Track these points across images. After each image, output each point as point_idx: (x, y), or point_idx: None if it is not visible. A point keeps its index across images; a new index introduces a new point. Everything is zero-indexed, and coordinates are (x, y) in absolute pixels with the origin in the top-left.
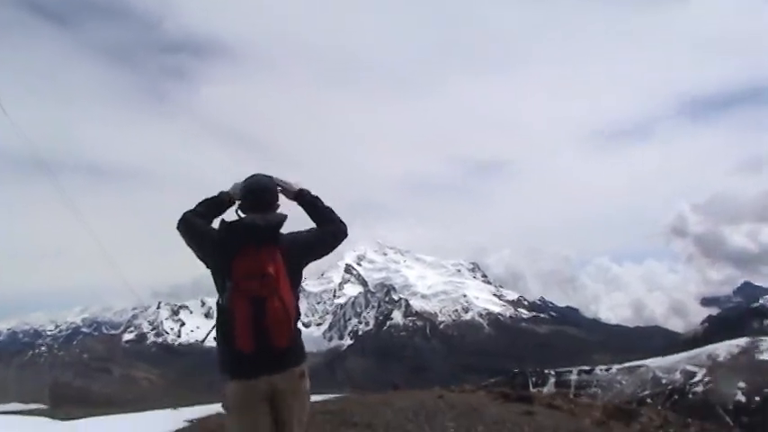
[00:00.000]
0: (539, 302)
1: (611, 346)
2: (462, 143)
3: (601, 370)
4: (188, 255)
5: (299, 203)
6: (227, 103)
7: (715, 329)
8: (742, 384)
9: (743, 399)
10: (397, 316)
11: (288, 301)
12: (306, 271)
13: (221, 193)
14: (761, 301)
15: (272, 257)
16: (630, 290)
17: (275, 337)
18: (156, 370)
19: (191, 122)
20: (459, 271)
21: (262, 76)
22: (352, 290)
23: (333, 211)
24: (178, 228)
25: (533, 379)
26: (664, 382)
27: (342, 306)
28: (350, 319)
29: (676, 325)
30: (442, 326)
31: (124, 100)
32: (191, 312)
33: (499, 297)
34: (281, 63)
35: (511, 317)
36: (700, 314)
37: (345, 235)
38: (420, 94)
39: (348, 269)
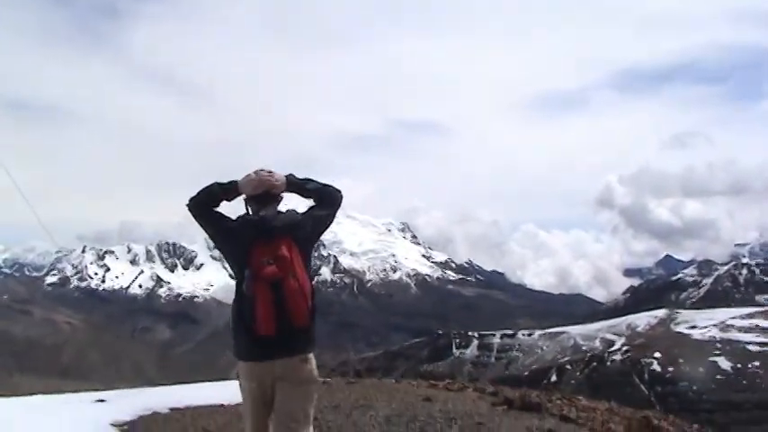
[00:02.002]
0: (466, 265)
1: (534, 311)
2: (398, 103)
3: (523, 334)
4: (116, 200)
5: (291, 191)
6: (160, 45)
7: (635, 300)
8: (658, 355)
9: (658, 369)
10: (326, 272)
11: (303, 280)
12: None
13: (232, 183)
14: (680, 275)
15: (284, 243)
16: (556, 257)
17: (295, 316)
18: (78, 315)
19: (123, 63)
20: (389, 230)
21: (197, 19)
22: None
23: (323, 187)
24: (189, 208)
25: (457, 341)
26: (584, 349)
27: None
28: None
29: (599, 294)
30: (369, 284)
31: (54, 36)
32: (116, 258)
33: (428, 258)
34: (219, 5)
35: (438, 278)
36: (622, 284)
37: (340, 202)
38: (359, 50)
39: None
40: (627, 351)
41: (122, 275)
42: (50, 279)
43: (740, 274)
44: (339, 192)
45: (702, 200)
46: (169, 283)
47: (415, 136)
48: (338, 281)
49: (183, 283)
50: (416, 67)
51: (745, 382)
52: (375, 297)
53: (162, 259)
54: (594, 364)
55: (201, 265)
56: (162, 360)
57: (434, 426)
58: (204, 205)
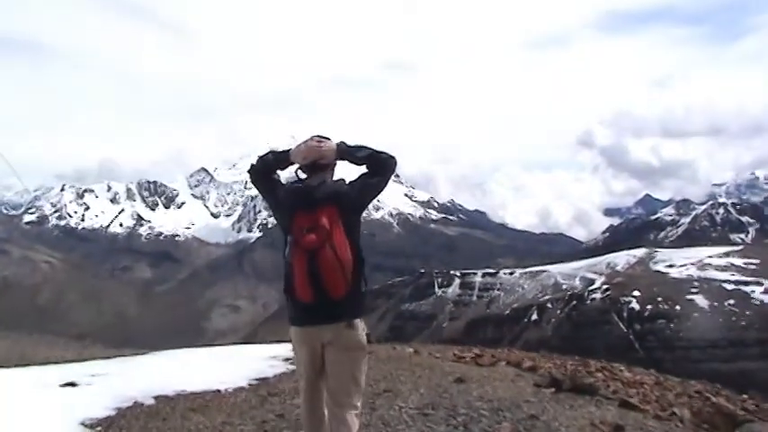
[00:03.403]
0: (448, 204)
1: (515, 250)
2: (381, 43)
3: (505, 273)
4: (95, 137)
5: (342, 160)
6: None
7: (615, 239)
8: (637, 293)
9: (637, 307)
10: None
11: (341, 251)
12: (218, 161)
13: (284, 152)
14: (659, 214)
15: (326, 212)
16: (537, 197)
17: (330, 287)
18: (57, 254)
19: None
20: None
21: None
22: None
23: (375, 153)
24: (250, 174)
25: (439, 280)
26: (564, 287)
27: (252, 198)
28: (260, 212)
29: (579, 233)
30: None
31: None
32: (96, 197)
33: (410, 197)
34: None
35: (420, 218)
36: (602, 224)
37: (394, 168)
38: None
39: None
40: (606, 290)
41: (102, 214)
42: (28, 218)
43: (717, 213)
44: (393, 158)
45: (681, 140)
46: (150, 221)
47: (397, 76)
48: None
49: (164, 221)
50: (399, 7)
51: (721, 320)
52: None
53: (142, 198)
54: (574, 302)
55: (183, 203)
56: (142, 299)
57: (479, 421)
58: (260, 173)
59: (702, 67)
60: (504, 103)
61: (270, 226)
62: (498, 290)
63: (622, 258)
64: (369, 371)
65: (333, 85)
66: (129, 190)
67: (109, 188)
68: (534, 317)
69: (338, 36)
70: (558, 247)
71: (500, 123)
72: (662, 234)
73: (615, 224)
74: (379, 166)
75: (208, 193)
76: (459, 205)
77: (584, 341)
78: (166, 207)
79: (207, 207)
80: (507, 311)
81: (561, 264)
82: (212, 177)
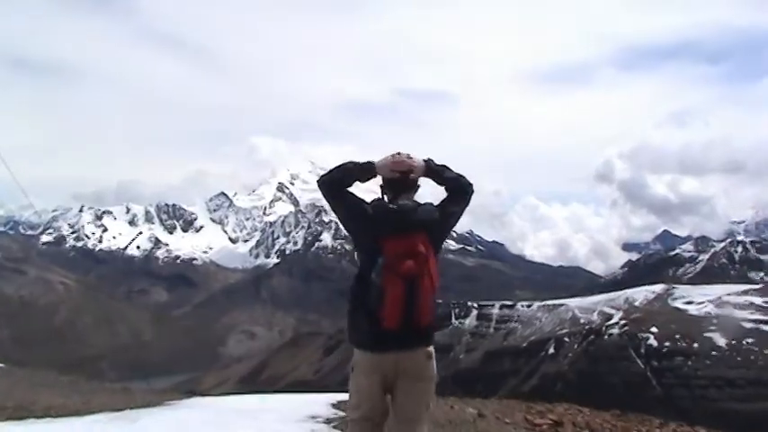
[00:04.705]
0: (467, 235)
1: (533, 283)
2: (404, 71)
3: (522, 306)
4: (115, 159)
5: (428, 176)
6: (169, 4)
7: (634, 274)
8: (654, 330)
9: (654, 343)
10: (327, 238)
11: (436, 279)
12: (238, 186)
13: (369, 163)
14: (677, 251)
15: (420, 238)
16: (556, 230)
17: (422, 314)
18: (73, 275)
19: (130, 22)
20: None
21: None
22: (283, 209)
23: (459, 178)
24: (321, 186)
25: (456, 311)
26: (582, 321)
27: (271, 224)
28: (278, 238)
29: (597, 267)
30: None
31: None
32: (114, 218)
33: None
34: None
35: None
36: (620, 258)
37: (471, 197)
38: (368, 19)
39: (280, 187)
40: (624, 325)
41: (120, 236)
42: (46, 238)
43: (735, 251)
44: (471, 185)
45: (699, 177)
46: (167, 244)
47: (419, 104)
48: (339, 246)
49: (182, 245)
50: (423, 36)
51: (739, 358)
52: None
53: (161, 220)
54: (592, 337)
55: (201, 227)
56: (158, 322)
57: None
58: (337, 184)
59: (721, 105)
60: (524, 135)
61: (288, 252)
62: (516, 322)
63: (641, 294)
64: None
65: (352, 111)
66: (147, 212)
67: (127, 210)
68: (551, 350)
69: (358, 61)
70: (576, 280)
71: (519, 155)
72: (680, 270)
73: (633, 259)
74: (462, 192)
75: (227, 217)
76: (478, 236)
77: (602, 376)
78: (184, 231)
79: (225, 232)
80: (524, 344)
81: (579, 297)
82: (231, 202)
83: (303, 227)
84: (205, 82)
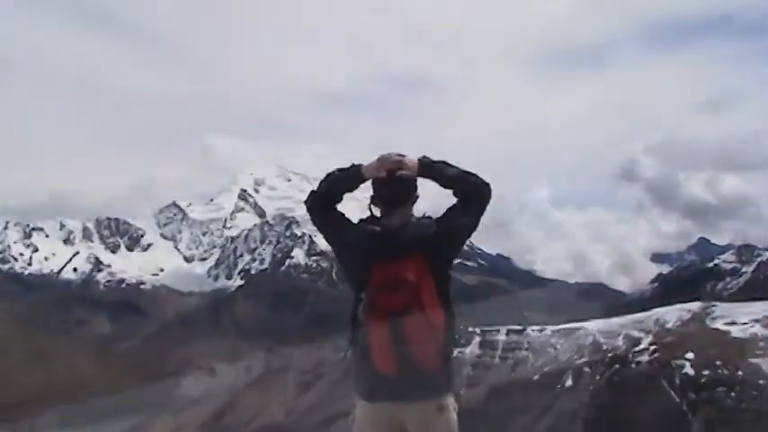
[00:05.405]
0: (466, 248)
1: (546, 303)
2: (387, 56)
3: (533, 330)
4: (46, 166)
5: (424, 176)
6: None
7: (665, 290)
8: (691, 356)
9: (691, 372)
10: (299, 254)
11: (433, 312)
12: (192, 195)
13: (354, 167)
14: (716, 261)
15: (412, 262)
16: (572, 240)
17: (420, 358)
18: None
19: (57, 4)
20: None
21: None
22: (246, 221)
23: (466, 175)
24: (310, 209)
25: (456, 337)
26: (604, 348)
27: (232, 239)
28: (241, 256)
29: (621, 283)
30: None
31: None
32: (46, 236)
33: None
34: None
35: None
36: (648, 272)
37: (489, 198)
38: None
39: (243, 195)
40: (654, 351)
41: (53, 257)
42: None
43: None
44: (486, 186)
45: (741, 174)
46: (110, 266)
47: (404, 94)
48: (314, 264)
49: (127, 266)
50: (410, 11)
51: None
52: None
53: (101, 237)
54: (617, 366)
55: (149, 245)
56: (100, 358)
57: None
58: (324, 201)
59: (766, 87)
60: (532, 128)
61: (253, 272)
62: (526, 350)
63: (673, 314)
64: None
65: (326, 103)
66: (85, 228)
67: (62, 226)
68: (569, 383)
69: (334, 43)
70: (596, 299)
71: (527, 152)
72: (720, 285)
73: (664, 272)
74: (472, 193)
75: (180, 232)
76: (479, 249)
77: (628, 412)
78: (130, 249)
79: (178, 249)
80: (536, 376)
81: (600, 320)
82: (185, 214)
83: (271, 242)
84: (151, 72)
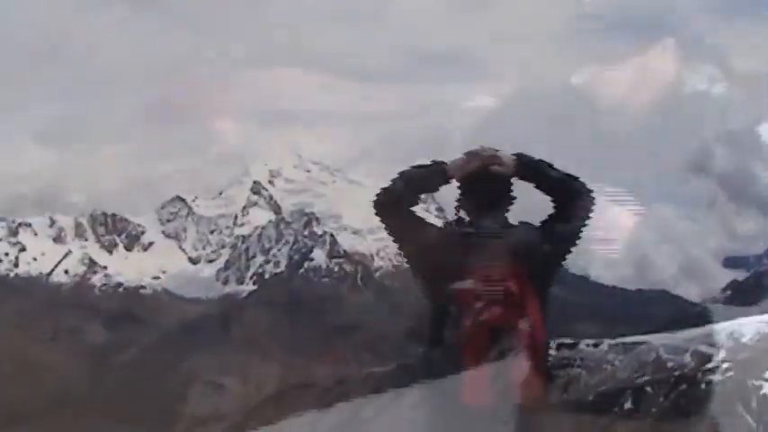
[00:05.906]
0: None
1: (602, 314)
2: (409, 30)
3: (587, 345)
4: (30, 156)
5: (522, 176)
6: None
7: (740, 299)
8: None
9: None
10: (319, 256)
11: (539, 330)
12: (199, 187)
13: (436, 164)
14: None
15: (515, 273)
16: (632, 241)
17: (522, 389)
18: None
19: None
20: None
21: None
22: (260, 217)
23: (570, 177)
24: (377, 209)
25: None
26: (669, 365)
27: (244, 238)
28: (254, 257)
29: (690, 291)
30: (378, 273)
31: None
32: (35, 234)
33: None
34: None
35: None
36: (721, 278)
37: (592, 207)
38: None
39: (256, 189)
40: (728, 369)
41: (42, 257)
42: None
43: None
44: (590, 193)
45: None
46: (105, 267)
47: (431, 70)
48: (336, 268)
49: (125, 268)
50: None
51: None
52: (386, 291)
53: (97, 236)
54: (684, 386)
55: (150, 244)
56: (95, 371)
57: None
58: (398, 202)
59: None
60: (581, 110)
61: (267, 276)
62: (579, 367)
63: (750, 326)
64: None
65: (346, 83)
66: (78, 225)
67: (52, 222)
68: (628, 404)
69: (358, 11)
70: (660, 309)
71: (574, 137)
72: None
73: (740, 279)
74: (576, 201)
75: (184, 230)
76: None
77: None
78: (128, 249)
79: (183, 249)
80: (591, 397)
81: (665, 333)
82: (190, 210)
83: (287, 241)
84: (151, 36)
